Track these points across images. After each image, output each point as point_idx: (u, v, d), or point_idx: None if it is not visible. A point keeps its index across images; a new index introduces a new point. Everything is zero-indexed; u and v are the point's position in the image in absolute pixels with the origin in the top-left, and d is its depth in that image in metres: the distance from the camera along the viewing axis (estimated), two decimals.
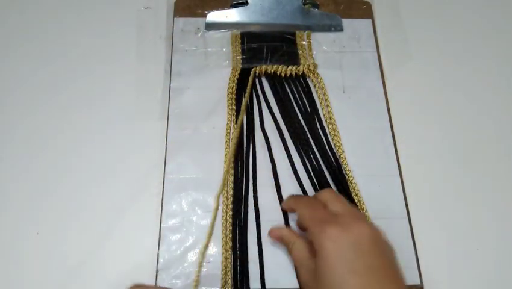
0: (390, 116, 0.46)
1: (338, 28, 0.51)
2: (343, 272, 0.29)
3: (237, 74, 0.47)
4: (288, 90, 0.47)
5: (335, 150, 0.44)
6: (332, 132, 0.44)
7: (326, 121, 0.45)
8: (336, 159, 0.43)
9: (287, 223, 0.40)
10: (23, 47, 0.50)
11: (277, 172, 0.42)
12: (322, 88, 0.47)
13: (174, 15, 0.51)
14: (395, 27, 0.53)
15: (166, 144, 0.43)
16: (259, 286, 0.37)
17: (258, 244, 0.39)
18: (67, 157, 0.44)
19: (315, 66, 0.48)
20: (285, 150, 0.43)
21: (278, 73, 0.47)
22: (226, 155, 0.43)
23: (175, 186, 0.41)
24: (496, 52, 0.52)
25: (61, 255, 0.39)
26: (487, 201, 0.43)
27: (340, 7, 0.52)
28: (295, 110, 0.46)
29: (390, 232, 0.40)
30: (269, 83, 0.47)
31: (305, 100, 0.46)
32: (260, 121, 0.45)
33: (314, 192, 0.41)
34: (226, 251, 0.38)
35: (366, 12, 0.52)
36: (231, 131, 0.44)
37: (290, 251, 0.36)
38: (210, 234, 0.39)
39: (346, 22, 0.51)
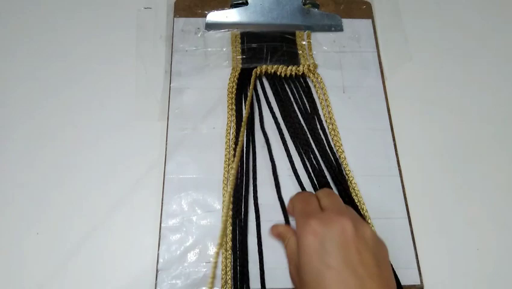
0: (390, 116, 0.46)
1: (338, 28, 0.51)
2: (319, 265, 0.29)
3: (237, 74, 0.47)
4: (288, 90, 0.47)
5: (335, 150, 0.44)
6: (332, 132, 0.44)
7: (326, 121, 0.45)
8: (336, 159, 0.43)
9: (287, 222, 0.40)
10: (23, 47, 0.50)
11: (278, 172, 0.42)
12: (322, 88, 0.47)
13: (174, 15, 0.51)
14: (395, 27, 0.53)
15: (166, 144, 0.43)
16: (259, 286, 0.37)
17: (258, 244, 0.39)
18: (67, 157, 0.44)
19: (315, 66, 0.48)
20: (285, 150, 0.43)
21: (278, 73, 0.47)
22: (226, 155, 0.43)
23: (175, 186, 0.41)
24: (495, 52, 0.52)
25: (61, 255, 0.39)
26: (487, 201, 0.43)
27: (340, 7, 0.52)
28: (295, 110, 0.46)
29: (390, 232, 0.40)
30: (269, 83, 0.47)
31: (305, 100, 0.46)
32: (260, 121, 0.45)
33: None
34: (226, 251, 0.38)
35: (366, 12, 0.52)
36: (231, 131, 0.44)
37: (285, 247, 0.37)
38: (224, 232, 0.38)
39: (346, 22, 0.51)
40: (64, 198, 0.42)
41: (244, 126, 0.42)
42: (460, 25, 0.54)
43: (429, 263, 0.40)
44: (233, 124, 0.45)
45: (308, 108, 0.46)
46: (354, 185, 0.42)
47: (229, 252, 0.38)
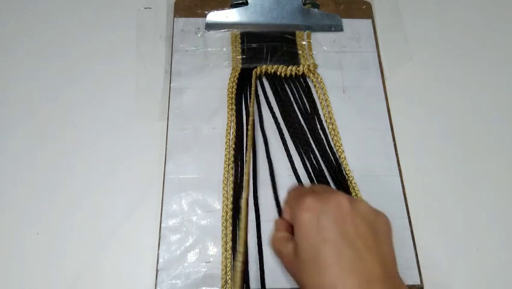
0: (390, 116, 0.46)
1: (338, 28, 0.51)
2: (316, 240, 0.28)
3: (237, 74, 0.47)
4: (288, 90, 0.47)
5: (335, 150, 0.44)
6: (332, 132, 0.44)
7: (326, 121, 0.45)
8: (336, 159, 0.43)
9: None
10: (23, 47, 0.50)
11: (278, 172, 0.42)
12: (322, 88, 0.47)
13: (174, 15, 0.51)
14: (395, 27, 0.53)
15: (166, 144, 0.43)
16: (259, 286, 0.37)
17: (258, 244, 0.39)
18: (67, 157, 0.44)
19: (315, 66, 0.48)
20: (285, 150, 0.43)
21: (278, 73, 0.47)
22: (226, 155, 0.43)
23: (175, 186, 0.41)
24: (495, 52, 0.52)
25: (61, 255, 0.39)
26: (487, 201, 0.43)
27: (340, 7, 0.52)
28: (295, 110, 0.46)
29: None
30: (269, 83, 0.47)
31: (305, 100, 0.46)
32: (260, 121, 0.45)
33: None
34: (226, 251, 0.38)
35: (366, 12, 0.52)
36: (231, 131, 0.44)
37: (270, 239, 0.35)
38: (245, 232, 0.38)
39: (346, 22, 0.51)
40: (64, 198, 0.42)
41: (251, 130, 0.42)
42: (460, 25, 0.54)
43: (429, 263, 0.40)
44: (233, 124, 0.45)
45: (308, 108, 0.46)
46: (354, 185, 0.42)
47: (229, 252, 0.38)
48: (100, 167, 0.43)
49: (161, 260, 0.38)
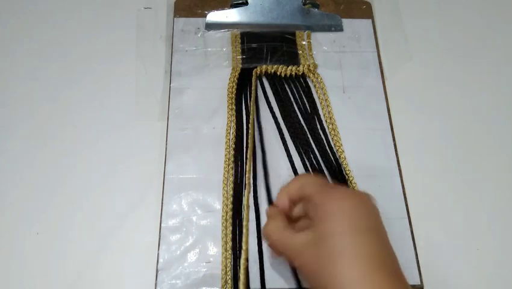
0: (390, 116, 0.46)
1: (338, 28, 0.51)
2: (348, 230, 0.28)
3: (237, 74, 0.47)
4: (288, 90, 0.47)
5: (335, 150, 0.44)
6: (332, 132, 0.44)
7: (326, 121, 0.45)
8: (336, 159, 0.43)
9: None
10: (23, 47, 0.50)
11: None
12: (322, 88, 0.47)
13: (174, 15, 0.51)
14: (395, 27, 0.53)
15: (166, 144, 0.43)
16: (259, 286, 0.37)
17: (258, 244, 0.39)
18: (67, 157, 0.44)
19: (315, 66, 0.48)
20: (285, 150, 0.43)
21: (278, 73, 0.47)
22: (226, 155, 0.43)
23: (175, 186, 0.41)
24: (496, 52, 0.52)
25: (61, 255, 0.39)
26: (487, 201, 0.43)
27: (340, 7, 0.52)
28: (295, 110, 0.46)
29: (390, 232, 0.40)
30: (269, 83, 0.47)
31: (305, 100, 0.46)
32: (258, 121, 0.45)
33: None
34: (226, 251, 0.38)
35: (366, 12, 0.52)
36: (231, 131, 0.44)
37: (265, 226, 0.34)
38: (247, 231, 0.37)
39: (346, 22, 0.51)
40: (64, 198, 0.42)
41: (252, 128, 0.42)
42: (460, 25, 0.54)
43: (429, 263, 0.40)
44: (233, 124, 0.45)
45: (308, 108, 0.46)
46: (354, 185, 0.42)
47: (229, 252, 0.38)
48: (100, 167, 0.43)
49: (161, 260, 0.38)
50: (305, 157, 0.43)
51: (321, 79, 0.47)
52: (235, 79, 0.47)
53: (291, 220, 0.34)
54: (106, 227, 0.40)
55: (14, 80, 0.48)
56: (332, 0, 0.53)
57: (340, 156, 0.43)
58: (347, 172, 0.42)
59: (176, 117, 0.45)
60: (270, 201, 0.40)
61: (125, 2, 0.53)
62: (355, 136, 0.45)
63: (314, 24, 0.51)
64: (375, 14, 0.53)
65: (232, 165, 0.42)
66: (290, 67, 0.47)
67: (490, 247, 0.41)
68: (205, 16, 0.50)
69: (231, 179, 0.42)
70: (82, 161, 0.44)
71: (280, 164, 0.43)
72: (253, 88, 0.45)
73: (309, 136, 0.44)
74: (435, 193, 0.44)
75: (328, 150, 0.44)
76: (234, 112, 0.45)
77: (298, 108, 0.46)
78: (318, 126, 0.45)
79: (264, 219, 0.40)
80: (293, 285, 0.37)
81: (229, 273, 0.38)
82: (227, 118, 0.45)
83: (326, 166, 0.43)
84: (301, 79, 0.48)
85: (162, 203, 0.41)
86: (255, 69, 0.47)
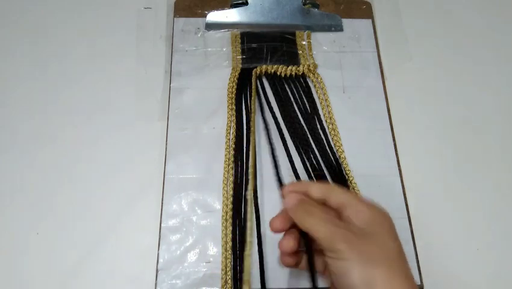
0: (390, 116, 0.46)
1: (338, 28, 0.51)
2: (394, 236, 0.31)
3: (237, 74, 0.47)
4: (288, 90, 0.47)
5: (335, 150, 0.44)
6: (332, 132, 0.44)
7: (326, 121, 0.45)
8: (336, 159, 0.43)
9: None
10: (23, 47, 0.50)
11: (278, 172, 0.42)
12: (322, 88, 0.47)
13: (174, 15, 0.51)
14: (395, 27, 0.53)
15: (166, 144, 0.43)
16: (259, 286, 0.37)
17: (258, 244, 0.39)
18: (67, 157, 0.44)
19: (315, 66, 0.48)
20: (285, 150, 0.43)
21: (278, 73, 0.47)
22: (226, 155, 0.43)
23: (175, 186, 0.41)
24: (496, 52, 0.52)
25: (61, 255, 0.39)
26: (487, 201, 0.43)
27: (340, 7, 0.52)
28: (295, 110, 0.46)
29: None
30: (269, 83, 0.47)
31: (305, 100, 0.46)
32: (265, 118, 0.45)
33: None
34: (226, 251, 0.38)
35: (366, 12, 0.52)
36: (231, 131, 0.44)
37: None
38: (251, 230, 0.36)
39: (346, 22, 0.51)
40: (64, 198, 0.42)
41: (253, 126, 0.42)
42: (460, 25, 0.54)
43: (429, 263, 0.40)
44: (233, 124, 0.45)
45: (308, 108, 0.46)
46: (354, 185, 0.42)
47: (229, 252, 0.38)
48: (100, 167, 0.43)
49: (161, 260, 0.38)
50: (305, 157, 0.43)
51: (321, 79, 0.47)
52: (235, 79, 0.47)
53: None
54: (106, 227, 0.40)
55: (14, 80, 0.48)
56: (332, 0, 0.53)
57: (340, 156, 0.43)
58: (347, 172, 0.42)
59: (176, 117, 0.45)
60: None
61: (125, 2, 0.53)
62: (355, 136, 0.45)
63: (314, 24, 0.51)
64: (375, 14, 0.53)
65: (232, 165, 0.42)
66: (290, 67, 0.47)
67: (490, 247, 0.41)
68: (205, 16, 0.50)
69: (231, 179, 0.42)
70: (82, 161, 0.44)
71: (280, 164, 0.43)
72: (253, 88, 0.45)
73: (309, 136, 0.44)
74: (435, 193, 0.44)
75: (328, 150, 0.44)
76: (234, 112, 0.45)
77: (298, 108, 0.46)
78: (318, 126, 0.45)
79: (263, 220, 0.40)
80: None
81: (229, 273, 0.38)
82: (227, 118, 0.45)
83: (326, 166, 0.43)
84: (301, 79, 0.48)
85: (162, 203, 0.41)
86: (255, 69, 0.47)
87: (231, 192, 0.41)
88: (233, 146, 0.43)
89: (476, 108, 0.49)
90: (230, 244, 0.39)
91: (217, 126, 0.44)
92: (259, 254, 0.38)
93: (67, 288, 0.38)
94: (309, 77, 0.48)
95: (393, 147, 0.44)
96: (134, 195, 0.42)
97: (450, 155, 0.46)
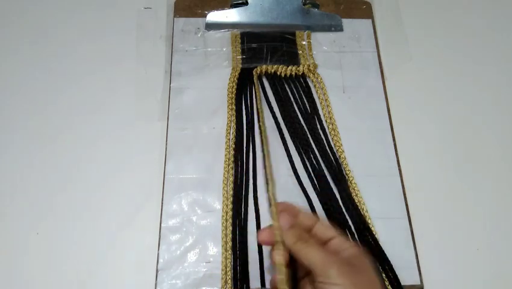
0: (390, 116, 0.46)
1: (338, 28, 0.51)
2: (376, 273, 0.32)
3: (237, 74, 0.47)
4: (288, 90, 0.47)
5: (335, 150, 0.44)
6: (332, 132, 0.44)
7: (326, 121, 0.45)
8: (336, 159, 0.43)
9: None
10: (23, 48, 0.50)
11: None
12: (322, 88, 0.47)
13: (174, 15, 0.51)
14: (395, 27, 0.53)
15: (166, 144, 0.43)
16: (259, 286, 0.37)
17: (258, 244, 0.39)
18: (67, 157, 0.44)
19: (315, 66, 0.48)
20: (285, 150, 0.43)
21: (278, 73, 0.47)
22: (226, 155, 0.43)
23: (175, 186, 0.41)
24: (495, 51, 0.52)
25: (61, 255, 0.39)
26: (487, 201, 0.43)
27: (340, 7, 0.52)
28: (295, 110, 0.46)
29: (390, 232, 0.40)
30: (269, 83, 0.47)
31: (305, 100, 0.46)
32: (252, 120, 0.45)
33: (314, 193, 0.41)
34: (226, 251, 0.38)
35: (366, 12, 0.52)
36: (231, 131, 0.44)
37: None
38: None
39: (346, 22, 0.51)
40: (64, 198, 0.42)
41: (263, 126, 0.42)
42: (460, 25, 0.54)
43: (429, 263, 0.40)
44: (233, 124, 0.45)
45: (308, 108, 0.46)
46: (354, 185, 0.42)
47: (229, 252, 0.38)
48: (101, 167, 0.43)
49: (161, 260, 0.38)
50: (305, 157, 0.43)
51: (321, 79, 0.47)
52: (235, 79, 0.47)
53: None
54: (106, 227, 0.40)
55: (14, 80, 0.48)
56: (332, 0, 0.53)
57: (340, 156, 0.43)
58: (347, 172, 0.42)
59: (176, 117, 0.45)
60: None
61: (125, 2, 0.53)
62: (355, 136, 0.45)
63: (314, 24, 0.51)
64: (375, 14, 0.53)
65: (232, 165, 0.42)
66: (290, 67, 0.47)
67: (490, 247, 0.41)
68: (205, 16, 0.50)
69: (231, 179, 0.42)
70: (82, 161, 0.44)
71: (280, 164, 0.43)
72: (256, 87, 0.45)
73: (309, 136, 0.44)
74: (435, 193, 0.44)
75: (328, 150, 0.44)
76: (234, 112, 0.45)
77: (298, 108, 0.46)
78: (318, 126, 0.45)
79: (263, 220, 0.40)
80: None
81: (229, 273, 0.38)
82: (227, 118, 0.45)
83: (326, 166, 0.43)
84: (301, 79, 0.48)
85: (162, 203, 0.41)
86: (255, 69, 0.47)
87: (231, 192, 0.41)
88: (233, 146, 0.43)
89: (476, 108, 0.49)
90: (230, 244, 0.39)
91: (217, 126, 0.44)
92: (259, 254, 0.38)
93: (67, 288, 0.38)
94: (309, 77, 0.48)
95: (393, 147, 0.44)
96: (134, 195, 0.42)
97: (450, 155, 0.46)
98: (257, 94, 0.45)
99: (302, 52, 0.49)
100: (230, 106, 0.45)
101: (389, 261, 0.38)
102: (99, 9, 0.52)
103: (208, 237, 0.39)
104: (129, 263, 0.39)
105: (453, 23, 0.54)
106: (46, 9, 0.52)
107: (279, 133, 0.44)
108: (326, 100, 0.46)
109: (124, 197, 0.42)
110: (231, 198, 0.41)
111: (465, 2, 0.55)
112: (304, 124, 0.45)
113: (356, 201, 0.41)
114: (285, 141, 0.44)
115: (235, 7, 0.51)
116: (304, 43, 0.49)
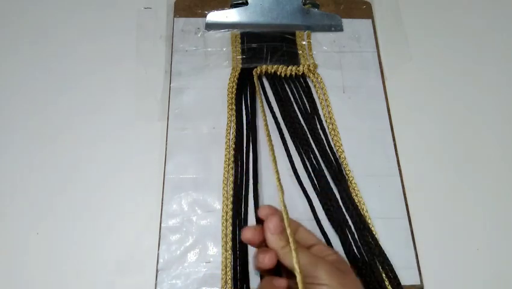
0: (390, 116, 0.46)
1: (338, 28, 0.51)
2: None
3: (237, 74, 0.47)
4: (288, 90, 0.47)
5: (335, 150, 0.44)
6: (332, 132, 0.44)
7: (326, 121, 0.45)
8: (336, 159, 0.43)
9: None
10: (23, 48, 0.50)
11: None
12: (322, 88, 0.47)
13: (174, 15, 0.51)
14: (395, 27, 0.53)
15: (166, 144, 0.43)
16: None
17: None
18: (67, 157, 0.44)
19: (315, 66, 0.48)
20: (285, 150, 0.43)
21: (278, 73, 0.47)
22: (226, 155, 0.43)
23: (175, 186, 0.41)
24: (495, 52, 0.52)
25: (61, 255, 0.39)
26: (487, 201, 0.43)
27: (340, 7, 0.52)
28: (295, 110, 0.46)
29: (390, 232, 0.40)
30: (269, 83, 0.47)
31: (305, 100, 0.46)
32: (254, 121, 0.45)
33: (314, 193, 0.41)
34: (226, 251, 0.38)
35: (366, 12, 0.52)
36: (231, 131, 0.44)
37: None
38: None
39: (346, 22, 0.51)
40: (64, 198, 0.42)
41: (266, 127, 0.42)
42: (460, 25, 0.54)
43: (429, 263, 0.40)
44: (233, 124, 0.45)
45: (308, 108, 0.46)
46: (354, 185, 0.42)
47: (229, 252, 0.38)
48: (101, 167, 0.43)
49: (161, 260, 0.38)
50: (305, 157, 0.43)
51: (321, 79, 0.47)
52: (235, 79, 0.47)
53: None
54: (106, 227, 0.40)
55: (15, 81, 0.48)
56: (332, 0, 0.53)
57: (340, 156, 0.43)
58: (347, 172, 0.42)
59: (176, 117, 0.45)
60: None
61: (125, 2, 0.53)
62: (355, 136, 0.45)
63: (314, 24, 0.51)
64: (375, 14, 0.53)
65: (232, 165, 0.42)
66: (290, 67, 0.47)
67: (490, 247, 0.41)
68: (205, 16, 0.50)
69: (231, 179, 0.42)
70: (82, 161, 0.44)
71: (280, 164, 0.43)
72: (257, 88, 0.45)
73: (309, 136, 0.44)
74: (435, 193, 0.44)
75: (328, 150, 0.44)
76: (234, 112, 0.45)
77: (298, 108, 0.46)
78: (318, 126, 0.45)
79: None
80: None
81: (229, 273, 0.38)
82: (227, 118, 0.45)
83: (326, 166, 0.43)
84: (301, 79, 0.48)
85: (162, 203, 0.41)
86: (255, 69, 0.47)
87: (231, 192, 0.41)
88: (233, 146, 0.43)
89: (475, 108, 0.49)
90: (230, 244, 0.39)
91: (217, 126, 0.44)
92: None
93: (67, 288, 0.38)
94: (309, 77, 0.48)
95: (393, 147, 0.44)
96: (134, 195, 0.42)
97: (450, 155, 0.46)
98: (258, 96, 0.45)
99: (302, 52, 0.49)
100: (230, 106, 0.45)
101: (389, 261, 0.38)
102: (99, 9, 0.52)
103: (208, 237, 0.39)
104: (129, 263, 0.39)
105: (453, 23, 0.54)
106: (46, 9, 0.52)
107: (279, 133, 0.44)
108: (326, 100, 0.46)
109: (124, 197, 0.42)
110: (231, 198, 0.41)
111: (465, 2, 0.55)
112: (304, 124, 0.45)
113: (356, 201, 0.41)
114: (285, 141, 0.44)
115: (235, 7, 0.51)
116: (304, 43, 0.49)
